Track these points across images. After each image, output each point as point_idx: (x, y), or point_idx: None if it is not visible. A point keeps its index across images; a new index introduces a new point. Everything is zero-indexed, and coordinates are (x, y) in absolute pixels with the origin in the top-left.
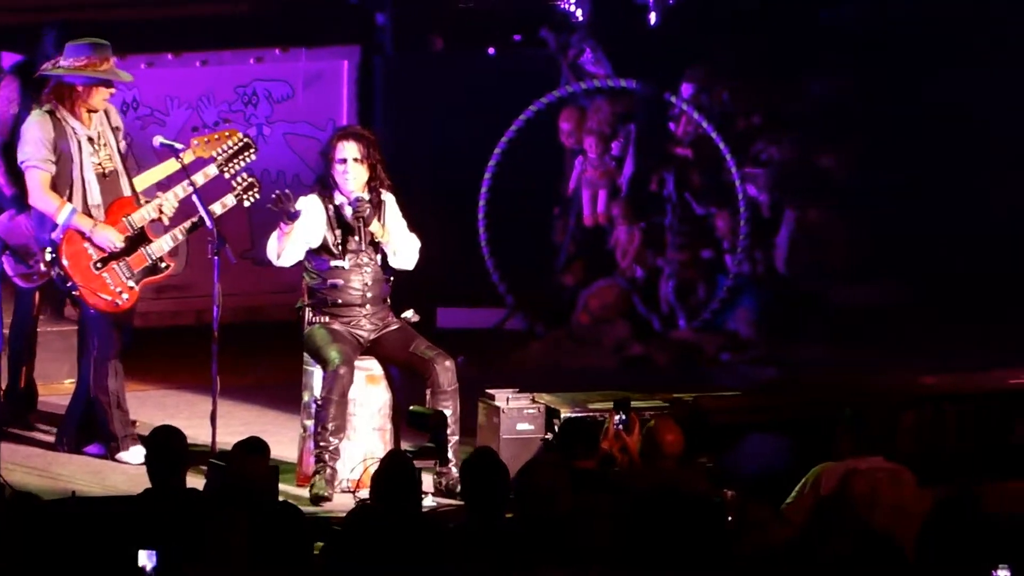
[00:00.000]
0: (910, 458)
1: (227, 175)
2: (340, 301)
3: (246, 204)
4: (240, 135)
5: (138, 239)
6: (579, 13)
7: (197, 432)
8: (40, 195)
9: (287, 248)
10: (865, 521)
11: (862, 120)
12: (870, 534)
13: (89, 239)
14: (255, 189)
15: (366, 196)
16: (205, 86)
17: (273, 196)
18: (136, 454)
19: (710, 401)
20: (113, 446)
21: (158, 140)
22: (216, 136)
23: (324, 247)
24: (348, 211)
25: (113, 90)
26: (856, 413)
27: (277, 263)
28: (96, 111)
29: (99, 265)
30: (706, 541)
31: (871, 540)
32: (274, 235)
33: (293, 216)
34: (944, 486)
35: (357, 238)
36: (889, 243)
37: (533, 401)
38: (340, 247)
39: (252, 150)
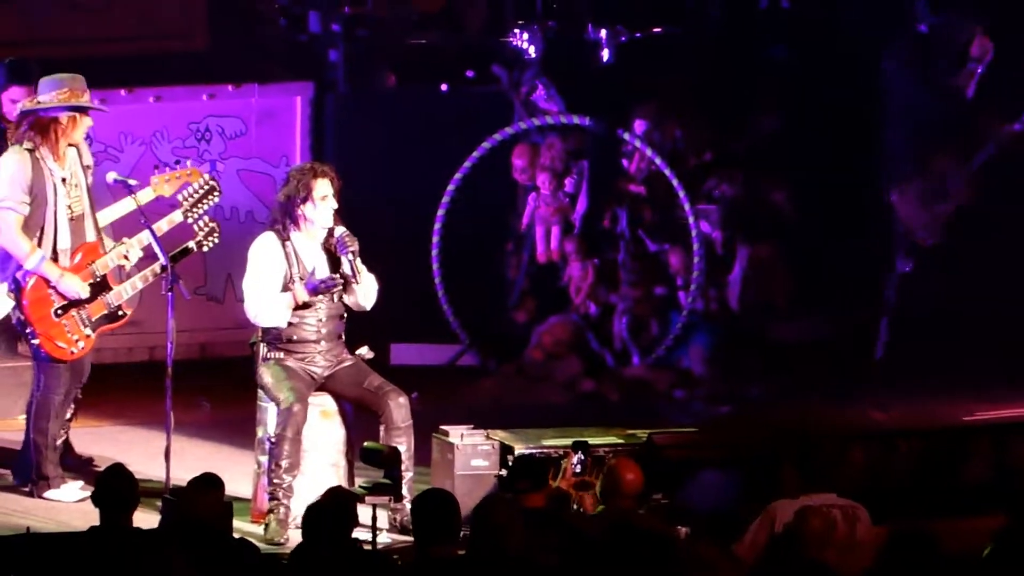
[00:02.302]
0: (859, 494)
1: (190, 220)
2: (295, 337)
3: (205, 250)
4: (206, 177)
5: (100, 286)
6: (532, 50)
7: (151, 468)
8: (12, 237)
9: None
10: (818, 558)
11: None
12: (823, 571)
13: (54, 287)
14: (215, 235)
15: (345, 230)
16: (158, 122)
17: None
18: (67, 492)
19: (664, 437)
20: (43, 484)
21: (111, 176)
22: (177, 175)
23: (281, 284)
24: (321, 245)
25: (91, 122)
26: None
27: (267, 325)
28: (76, 145)
29: (59, 312)
30: None
31: None
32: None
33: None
34: (897, 523)
35: (346, 271)
36: (835, 279)
37: (487, 438)
38: (295, 284)
39: (217, 193)
